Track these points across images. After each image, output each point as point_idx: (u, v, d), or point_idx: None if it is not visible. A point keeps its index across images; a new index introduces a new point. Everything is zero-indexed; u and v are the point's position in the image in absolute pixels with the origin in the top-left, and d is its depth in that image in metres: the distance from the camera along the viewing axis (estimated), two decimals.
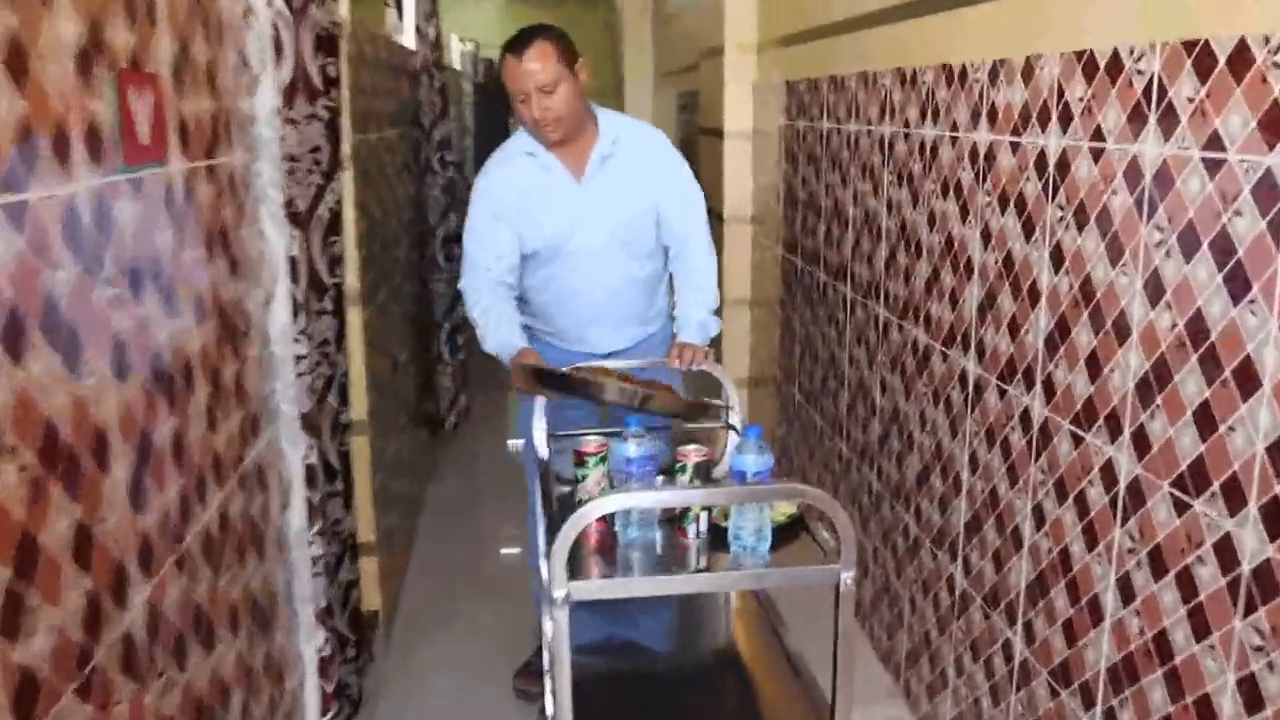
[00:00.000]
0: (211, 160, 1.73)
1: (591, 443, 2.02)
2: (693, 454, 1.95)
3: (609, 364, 2.63)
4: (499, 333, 2.74)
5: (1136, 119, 1.76)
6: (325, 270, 2.30)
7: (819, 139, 3.62)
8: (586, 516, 1.73)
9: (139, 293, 1.41)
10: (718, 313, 2.94)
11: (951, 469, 2.54)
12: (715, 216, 5.11)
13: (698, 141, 5.63)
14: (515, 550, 4.03)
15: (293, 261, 2.07)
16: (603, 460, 2.01)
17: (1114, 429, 1.85)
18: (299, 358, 2.11)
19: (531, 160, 2.82)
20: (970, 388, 2.41)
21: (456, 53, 9.62)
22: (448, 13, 6.44)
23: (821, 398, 3.70)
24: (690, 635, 2.77)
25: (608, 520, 1.98)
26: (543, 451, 2.53)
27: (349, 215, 2.83)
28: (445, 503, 4.51)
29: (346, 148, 2.77)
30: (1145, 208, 1.74)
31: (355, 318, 2.97)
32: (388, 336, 3.60)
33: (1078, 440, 1.96)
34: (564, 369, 2.46)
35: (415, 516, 4.20)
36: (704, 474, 1.97)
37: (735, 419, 2.65)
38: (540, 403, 2.61)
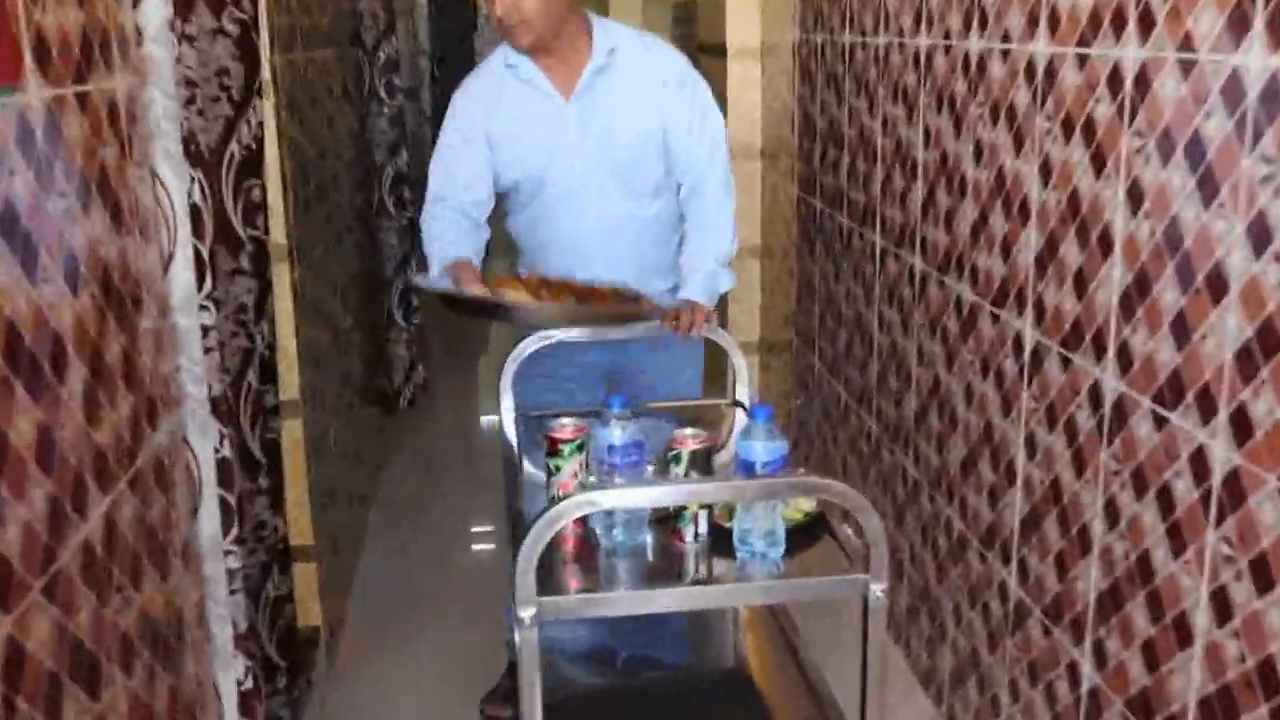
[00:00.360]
0: (83, 85, 1.61)
1: (567, 426, 1.92)
2: (690, 440, 1.84)
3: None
4: (443, 254, 2.73)
5: (1239, 24, 1.64)
6: (240, 221, 2.19)
7: (840, 55, 3.50)
8: (557, 519, 1.63)
9: None
10: (732, 265, 2.85)
11: (1004, 454, 2.44)
12: None
13: (696, 62, 5.50)
14: (489, 547, 3.95)
15: (195, 210, 1.95)
16: (580, 448, 1.91)
17: (1207, 409, 1.75)
18: (206, 329, 2.00)
19: (512, 73, 2.76)
20: (1027, 356, 2.31)
21: None
22: None
23: (846, 366, 3.60)
24: (692, 647, 2.68)
25: (585, 521, 1.89)
26: (509, 435, 2.44)
27: (271, 154, 2.71)
28: (401, 494, 4.41)
29: (266, 71, 2.65)
30: (1249, 133, 1.63)
31: (283, 277, 2.85)
32: (326, 299, 3.49)
33: (1160, 422, 1.86)
34: (471, 290, 2.55)
35: (365, 512, 4.10)
36: (703, 464, 1.86)
37: (743, 394, 2.56)
38: (508, 374, 2.51)
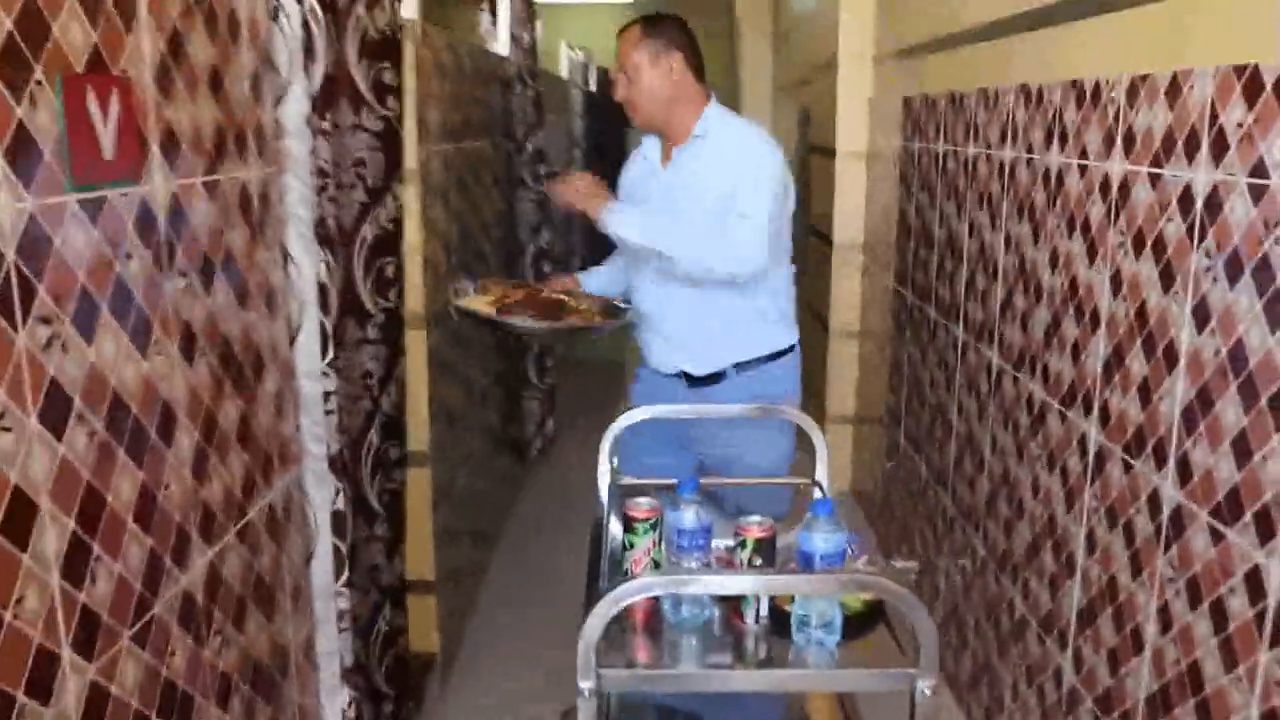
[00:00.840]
0: (212, 175, 1.55)
1: (642, 506, 1.78)
2: (755, 528, 1.69)
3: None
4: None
5: None
6: (369, 295, 2.11)
7: (934, 162, 3.32)
8: (617, 601, 1.49)
9: (89, 331, 1.22)
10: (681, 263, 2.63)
11: (1065, 546, 2.22)
12: (824, 241, 4.82)
13: (808, 161, 5.36)
14: None
15: (323, 287, 1.88)
16: (654, 527, 1.77)
17: (1266, 530, 1.53)
18: (328, 393, 1.92)
19: (639, 150, 2.88)
20: (1090, 456, 2.10)
21: (565, 60, 9.49)
22: (559, 20, 6.30)
23: (927, 446, 3.39)
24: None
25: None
26: (602, 501, 2.30)
27: (413, 233, 2.65)
28: (526, 535, 4.30)
29: (412, 161, 2.59)
30: None
31: (418, 343, 2.78)
32: (462, 361, 3.41)
33: (1217, 536, 1.64)
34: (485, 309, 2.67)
35: (490, 550, 4.00)
36: (767, 551, 1.71)
37: (822, 474, 2.39)
38: (607, 441, 2.38)
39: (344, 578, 1.99)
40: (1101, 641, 2.04)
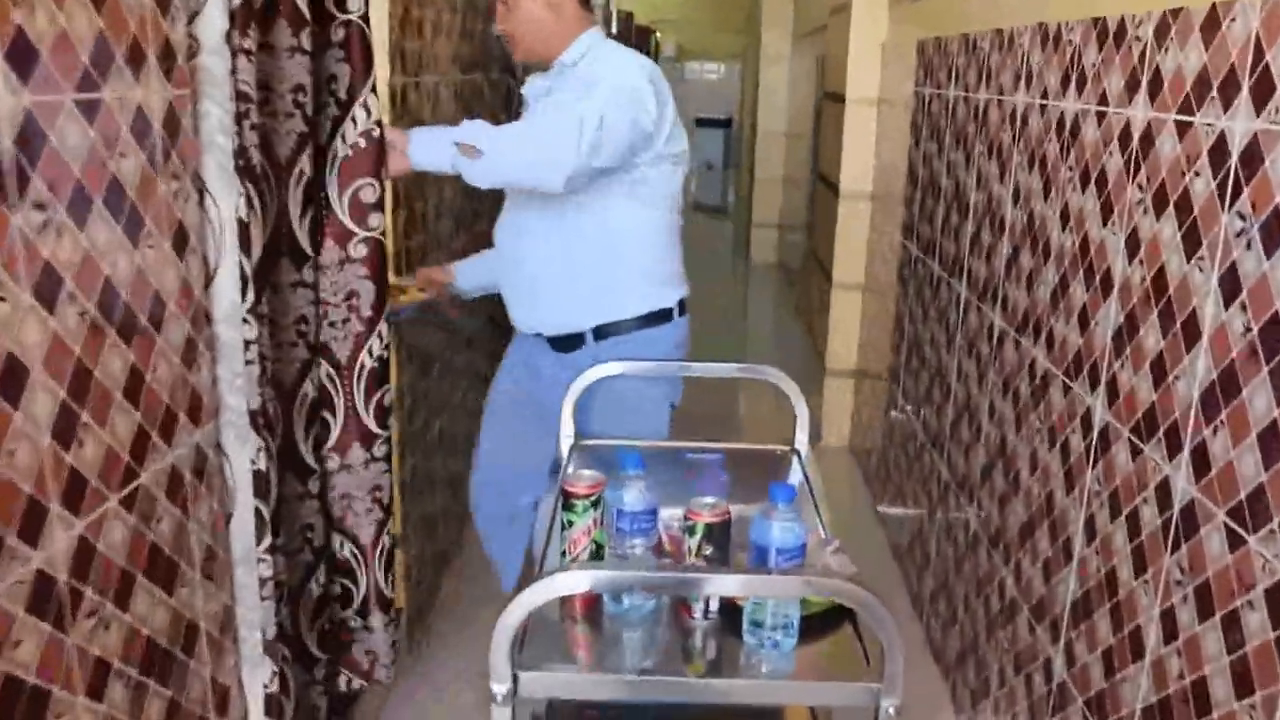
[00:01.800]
0: (91, 94, 1.29)
1: (583, 480, 1.53)
2: (706, 511, 1.43)
3: None
4: None
5: None
6: (307, 234, 1.86)
7: (945, 109, 3.01)
8: (537, 598, 1.25)
9: None
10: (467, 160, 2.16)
11: (1061, 530, 1.96)
12: (832, 189, 4.53)
13: (822, 109, 5.04)
14: None
15: (242, 225, 1.62)
16: (595, 504, 1.52)
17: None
18: (249, 342, 1.67)
19: (524, 90, 2.46)
20: (1094, 435, 1.83)
21: None
22: None
23: (924, 407, 3.12)
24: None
25: None
26: (561, 464, 2.06)
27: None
28: None
29: (380, 90, 2.31)
30: None
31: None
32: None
33: (1235, 541, 1.38)
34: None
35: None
36: (720, 538, 1.45)
37: (801, 441, 2.13)
38: (569, 404, 2.13)
39: (266, 542, 1.75)
40: (1097, 639, 1.79)
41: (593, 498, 1.50)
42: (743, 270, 8.54)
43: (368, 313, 2.01)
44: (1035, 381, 2.14)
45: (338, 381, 2.02)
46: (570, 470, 1.69)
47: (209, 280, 1.65)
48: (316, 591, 2.01)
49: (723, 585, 1.28)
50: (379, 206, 2.01)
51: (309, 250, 1.87)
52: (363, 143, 1.97)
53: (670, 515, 1.56)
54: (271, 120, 1.78)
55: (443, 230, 3.12)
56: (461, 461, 3.51)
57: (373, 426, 2.04)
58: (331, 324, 2.01)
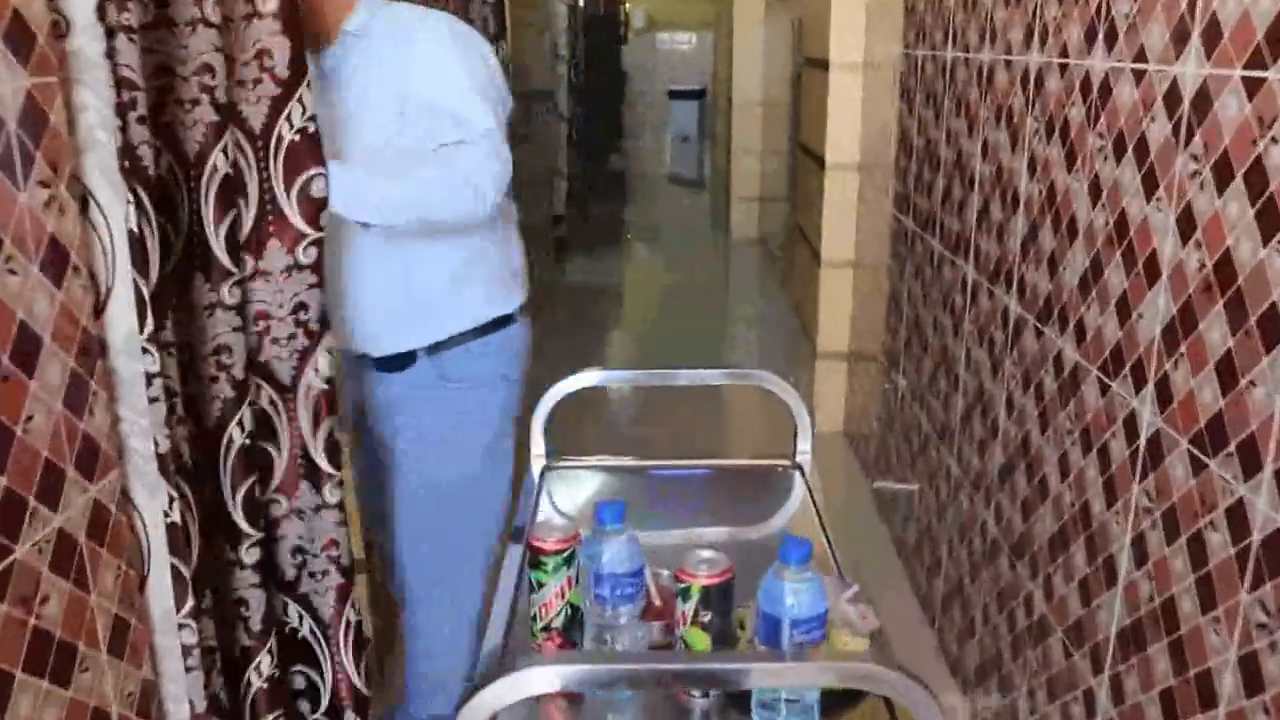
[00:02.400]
0: None
1: (553, 534, 1.28)
2: (702, 572, 1.18)
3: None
4: None
5: None
6: (224, 248, 1.58)
7: (941, 72, 2.75)
8: (501, 697, 0.99)
9: None
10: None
11: (1102, 549, 1.72)
12: (817, 161, 4.27)
13: (801, 76, 4.77)
14: None
15: (134, 238, 1.35)
16: (569, 561, 1.27)
17: (1250, 462, 1.03)
18: (151, 375, 1.40)
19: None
20: (1142, 439, 1.59)
21: None
22: None
23: (930, 397, 2.88)
24: None
25: (574, 638, 1.26)
26: (533, 492, 1.81)
27: None
28: None
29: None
30: None
31: None
32: None
33: (1198, 467, 1.14)
34: None
35: None
36: (720, 603, 1.20)
37: (804, 454, 1.89)
38: (538, 422, 1.88)
39: (188, 605, 1.49)
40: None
41: (565, 553, 1.25)
42: (723, 245, 8.28)
43: (316, 327, 1.73)
44: (1063, 377, 1.90)
45: (280, 406, 1.74)
46: (540, 512, 1.43)
47: (100, 306, 1.38)
48: (260, 684, 1.70)
49: (728, 676, 1.02)
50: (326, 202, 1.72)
51: (229, 265, 1.60)
52: (311, 127, 1.68)
53: (656, 546, 1.31)
54: (176, 109, 1.51)
55: None
56: None
57: (323, 463, 1.76)
58: (275, 341, 1.71)
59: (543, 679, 0.99)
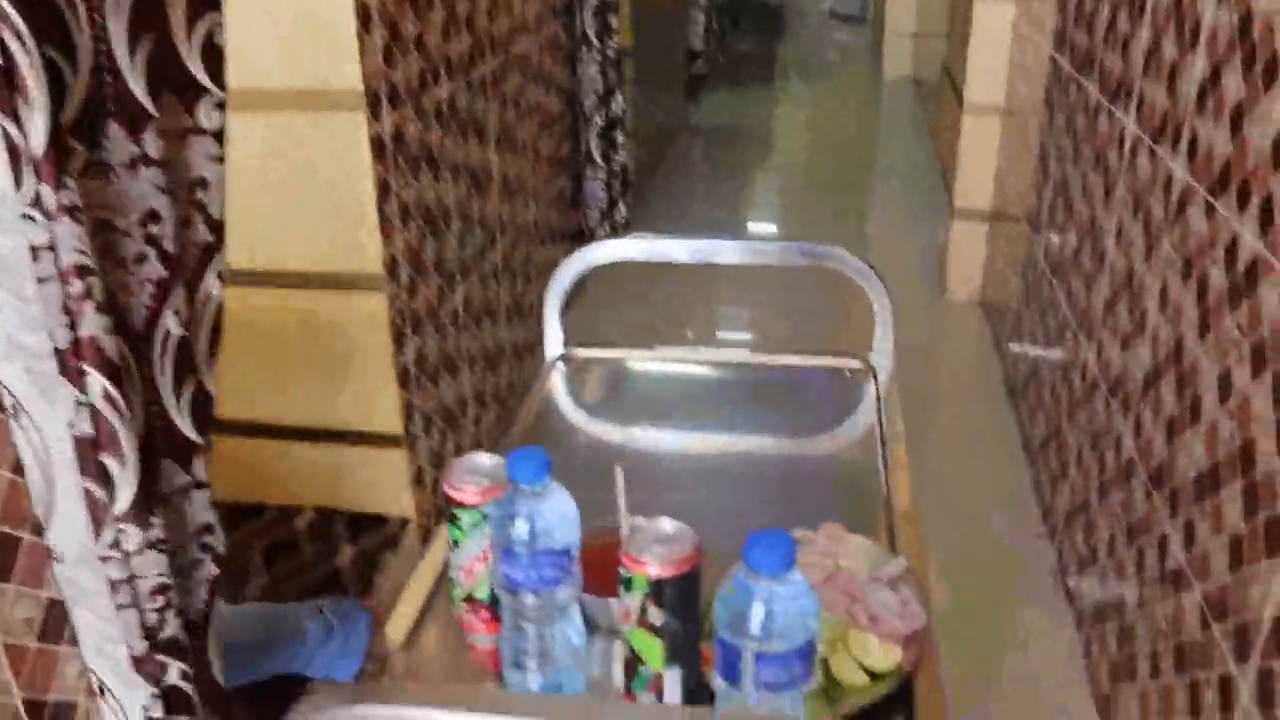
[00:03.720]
0: None
1: (474, 479, 0.94)
2: (652, 560, 0.82)
3: None
4: None
5: None
6: (145, 85, 1.24)
7: None
8: None
9: None
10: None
11: (1267, 489, 1.29)
12: None
13: None
14: None
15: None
16: (486, 518, 0.93)
17: None
18: (38, 249, 1.09)
19: None
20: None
21: None
22: None
23: (1071, 274, 2.40)
24: None
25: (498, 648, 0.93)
26: (552, 381, 1.48)
27: None
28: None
29: None
30: None
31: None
32: (451, 143, 2.55)
33: None
34: None
35: (522, 367, 3.22)
36: (678, 601, 0.84)
37: (881, 357, 1.50)
38: (553, 304, 1.54)
39: (107, 536, 1.21)
40: (1162, 409, 1.24)
41: (482, 509, 0.91)
42: (875, 86, 7.59)
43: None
44: (1236, 269, 1.42)
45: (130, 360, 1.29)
46: (549, 409, 1.09)
47: None
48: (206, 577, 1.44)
49: None
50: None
51: (149, 108, 1.26)
52: None
53: (667, 456, 0.96)
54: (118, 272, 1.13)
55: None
56: (495, 336, 2.93)
57: (190, 433, 1.30)
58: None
59: None
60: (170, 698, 1.27)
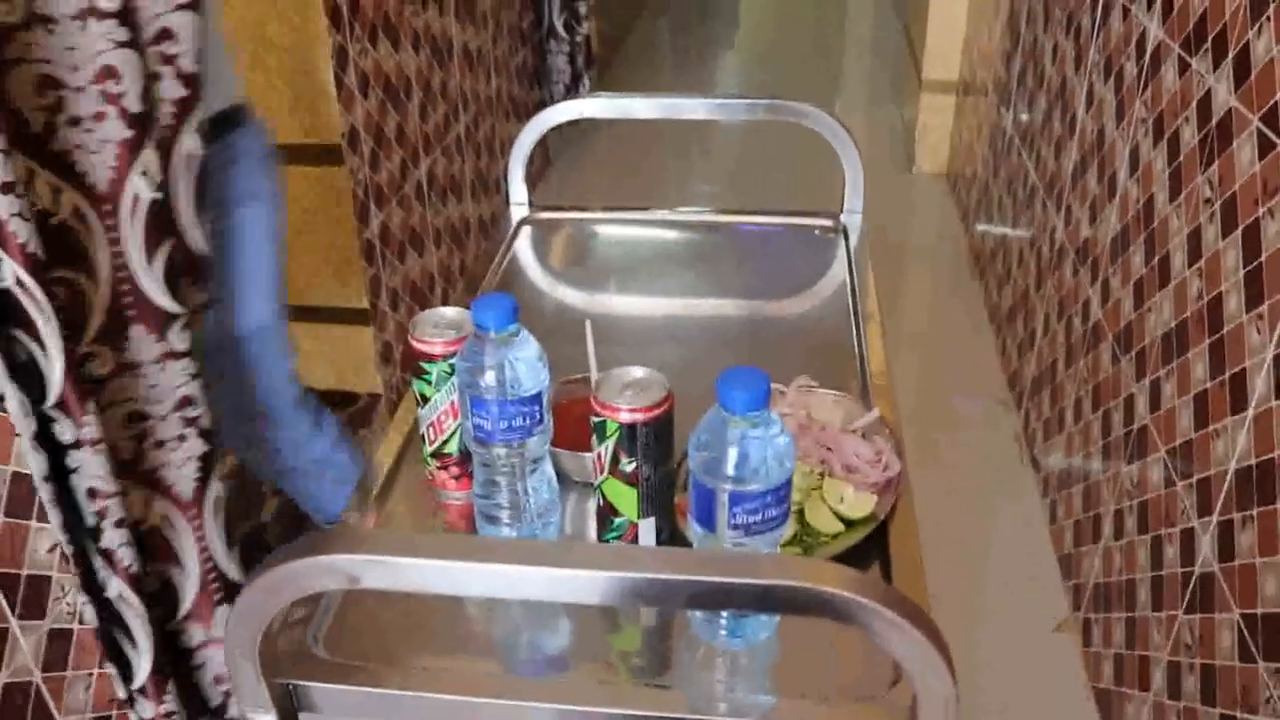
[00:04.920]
0: None
1: (439, 329, 0.91)
2: (627, 404, 0.80)
3: None
4: None
5: None
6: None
7: None
8: (272, 601, 0.67)
9: None
10: None
11: (1235, 345, 1.29)
12: None
13: None
14: None
15: None
16: (454, 372, 0.91)
17: None
18: None
19: None
20: (1146, 58, 1.13)
21: None
22: None
23: (1039, 140, 2.37)
24: None
25: (472, 473, 0.92)
26: (508, 248, 1.44)
27: None
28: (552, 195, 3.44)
29: None
30: None
31: None
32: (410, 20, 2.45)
33: (1265, 147, 0.71)
34: None
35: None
36: (651, 448, 0.83)
37: (851, 212, 1.48)
38: (517, 162, 1.50)
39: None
40: (1130, 272, 1.32)
41: (449, 361, 0.89)
42: None
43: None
44: (1212, 127, 1.40)
45: (92, 220, 1.10)
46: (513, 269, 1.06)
47: None
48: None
49: (628, 590, 0.65)
50: None
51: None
52: None
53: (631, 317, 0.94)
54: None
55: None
56: (466, 206, 2.86)
57: (162, 301, 1.14)
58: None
59: (307, 575, 0.65)
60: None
